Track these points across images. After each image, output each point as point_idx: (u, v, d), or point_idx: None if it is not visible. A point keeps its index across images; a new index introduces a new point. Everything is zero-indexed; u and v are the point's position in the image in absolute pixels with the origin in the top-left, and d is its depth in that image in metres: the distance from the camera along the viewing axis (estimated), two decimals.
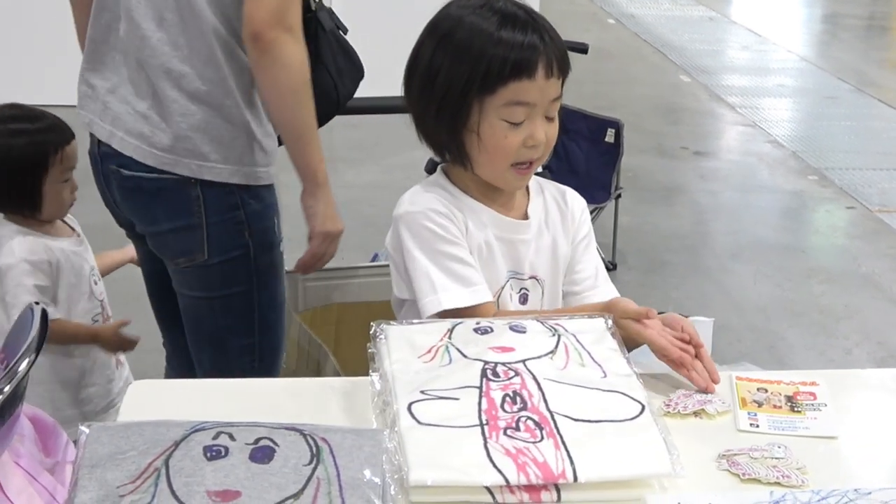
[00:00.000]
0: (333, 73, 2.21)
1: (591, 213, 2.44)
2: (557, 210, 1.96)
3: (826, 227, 5.85)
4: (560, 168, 4.75)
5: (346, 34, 2.30)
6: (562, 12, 9.87)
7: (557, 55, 1.78)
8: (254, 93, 2.17)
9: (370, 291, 3.04)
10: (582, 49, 4.09)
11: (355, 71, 2.27)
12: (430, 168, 4.40)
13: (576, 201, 1.99)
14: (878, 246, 5.31)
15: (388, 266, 3.12)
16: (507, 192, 1.90)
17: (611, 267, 4.68)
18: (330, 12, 2.28)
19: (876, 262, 5.11)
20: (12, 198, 2.62)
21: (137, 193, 2.22)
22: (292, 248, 2.47)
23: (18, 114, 2.57)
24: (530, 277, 1.91)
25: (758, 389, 1.74)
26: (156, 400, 1.64)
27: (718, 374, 1.72)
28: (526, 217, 1.92)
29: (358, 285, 3.04)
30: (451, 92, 1.77)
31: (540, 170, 4.25)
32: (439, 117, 1.80)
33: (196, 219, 2.19)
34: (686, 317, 1.85)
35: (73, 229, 2.77)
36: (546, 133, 1.81)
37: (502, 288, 1.88)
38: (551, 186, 1.99)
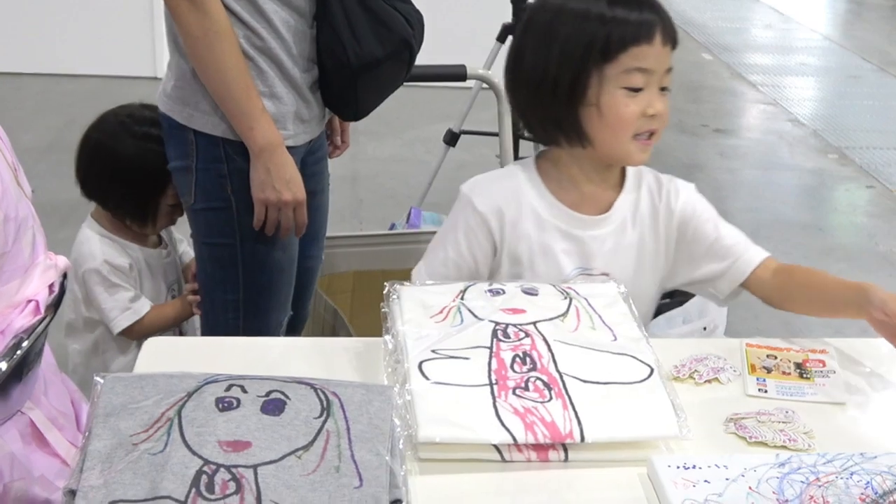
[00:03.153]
0: (343, 33, 2.21)
1: None
2: (650, 205, 1.93)
3: (845, 205, 5.82)
4: None
5: None
6: None
7: (671, 25, 1.80)
8: (249, 50, 2.20)
9: (387, 259, 3.06)
10: None
11: (383, 31, 2.26)
12: (449, 139, 4.42)
13: (670, 192, 1.94)
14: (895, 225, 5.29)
15: (405, 235, 3.16)
16: (584, 187, 1.90)
17: None
18: None
19: (893, 240, 5.08)
20: (126, 204, 2.66)
21: (163, 132, 2.33)
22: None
23: (155, 118, 2.46)
24: (601, 274, 1.88)
25: (767, 356, 1.75)
26: (169, 356, 1.66)
27: None
28: (607, 211, 1.90)
29: (375, 253, 3.06)
30: (567, 66, 1.78)
31: None
32: (556, 95, 1.79)
33: (189, 161, 2.26)
34: None
35: (161, 239, 2.83)
36: (663, 104, 1.82)
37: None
38: (651, 179, 1.96)
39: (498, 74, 3.25)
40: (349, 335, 2.72)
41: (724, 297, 1.95)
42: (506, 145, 3.15)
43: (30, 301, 1.69)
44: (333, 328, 2.82)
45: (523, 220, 1.88)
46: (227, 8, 2.16)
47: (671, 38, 1.80)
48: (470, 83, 3.67)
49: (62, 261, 1.80)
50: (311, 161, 2.40)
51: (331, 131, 2.58)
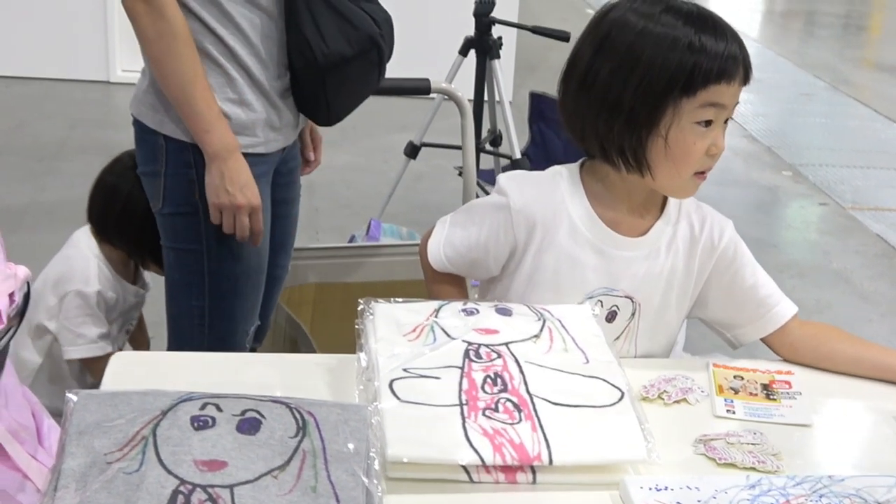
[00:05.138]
0: (309, 32, 2.22)
1: None
2: (689, 236, 1.89)
3: (799, 222, 5.89)
4: (538, 156, 4.78)
5: None
6: (540, 1, 9.89)
7: (749, 60, 1.75)
8: (218, 57, 2.19)
9: (349, 272, 3.06)
10: (563, 37, 4.10)
11: (350, 29, 2.27)
12: (410, 151, 4.43)
13: (714, 227, 1.90)
14: (849, 243, 5.35)
15: (366, 248, 3.16)
16: (625, 209, 1.86)
17: None
18: None
19: (847, 258, 5.15)
20: (137, 245, 2.71)
21: (135, 136, 2.33)
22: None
23: None
24: (625, 297, 1.86)
25: (734, 377, 1.76)
26: (136, 371, 1.65)
27: None
28: (643, 235, 1.87)
29: (336, 265, 3.05)
30: (647, 96, 1.71)
31: (519, 156, 4.26)
32: (628, 124, 1.73)
33: (158, 166, 2.26)
34: None
35: (142, 279, 2.90)
36: (723, 140, 1.78)
37: (586, 301, 1.82)
38: (693, 208, 1.91)
39: (461, 88, 3.27)
40: (310, 347, 2.71)
41: (740, 344, 1.95)
42: (469, 159, 3.16)
43: None
44: (294, 340, 2.81)
45: (559, 229, 1.84)
46: (192, 13, 2.16)
47: (748, 75, 1.75)
48: (431, 95, 3.67)
49: (22, 270, 1.78)
50: (284, 170, 2.40)
51: (302, 145, 2.58)
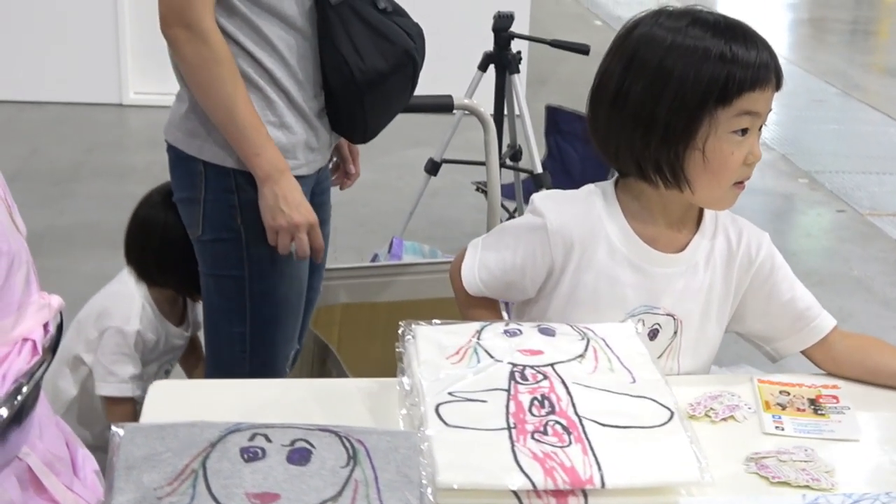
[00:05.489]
0: (345, 49, 2.20)
1: None
2: (726, 250, 1.87)
3: (817, 230, 5.86)
4: (555, 169, 4.76)
5: (383, 12, 2.27)
6: (549, 13, 9.88)
7: (780, 68, 1.74)
8: (258, 80, 2.18)
9: (374, 292, 3.05)
10: (583, 50, 4.09)
11: (385, 44, 2.25)
12: (430, 168, 4.41)
13: (751, 241, 1.88)
14: (869, 250, 5.32)
15: (391, 266, 3.14)
16: (663, 225, 1.83)
17: None
18: None
19: (867, 265, 5.12)
20: (177, 275, 2.67)
21: (169, 163, 2.32)
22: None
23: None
24: (667, 314, 1.84)
25: (780, 392, 1.74)
26: (177, 400, 1.63)
27: None
28: (681, 251, 1.85)
29: (362, 285, 3.04)
30: (683, 109, 1.70)
31: (541, 170, 4.24)
32: (665, 139, 1.72)
33: (197, 193, 2.25)
34: None
35: (188, 321, 2.88)
36: (759, 148, 1.77)
37: (627, 320, 1.80)
38: (728, 222, 1.89)
39: (482, 104, 3.25)
40: (339, 368, 2.70)
41: (780, 357, 1.94)
42: (493, 176, 3.13)
43: (26, 340, 1.65)
44: (323, 361, 2.79)
45: (597, 248, 1.82)
46: (230, 37, 2.15)
47: (780, 81, 1.74)
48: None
49: (56, 300, 1.77)
50: (318, 191, 2.39)
51: (341, 160, 2.57)
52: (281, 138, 2.20)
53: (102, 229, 4.72)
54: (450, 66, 4.97)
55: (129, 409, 2.64)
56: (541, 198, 1.88)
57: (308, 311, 2.55)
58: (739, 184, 1.77)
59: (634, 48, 1.75)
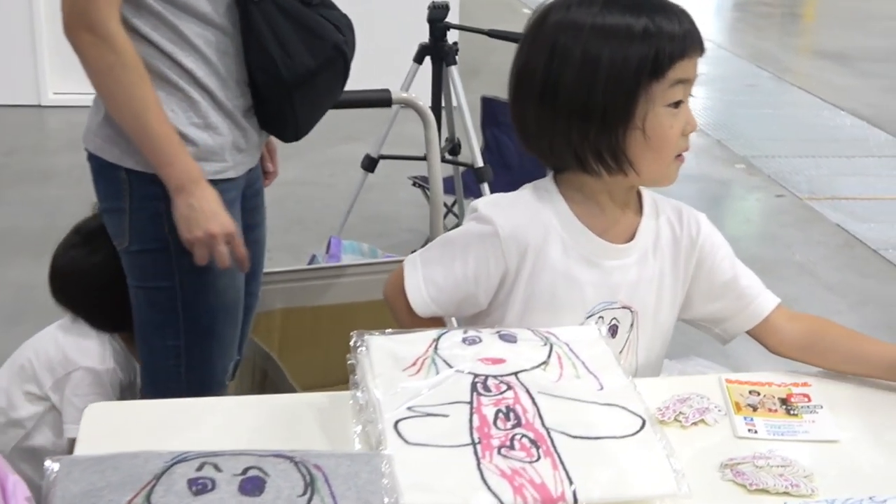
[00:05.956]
0: (271, 46, 2.09)
1: None
2: (671, 236, 1.84)
3: (757, 215, 5.84)
4: (493, 161, 4.67)
5: (309, 5, 2.17)
6: (477, 3, 9.80)
7: (700, 33, 1.72)
8: (178, 81, 2.07)
9: (314, 295, 2.94)
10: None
11: (313, 40, 2.14)
12: (367, 165, 4.31)
13: (691, 223, 1.86)
14: (810, 234, 5.31)
15: (331, 268, 3.04)
16: (610, 213, 1.79)
17: None
18: None
19: (810, 250, 5.10)
20: (110, 315, 2.49)
21: (91, 173, 2.21)
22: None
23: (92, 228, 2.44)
24: (622, 307, 1.80)
25: (750, 392, 1.67)
26: (114, 424, 1.52)
27: None
28: (630, 239, 1.81)
29: (301, 289, 2.94)
30: (618, 91, 1.65)
31: (482, 163, 4.16)
32: (605, 123, 1.67)
33: (122, 202, 2.14)
34: None
35: None
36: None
37: (587, 320, 1.77)
38: (668, 207, 1.87)
39: (421, 97, 3.16)
40: (282, 378, 2.59)
41: (730, 338, 1.90)
42: (435, 171, 3.04)
43: None
44: (265, 371, 2.69)
45: (550, 248, 1.76)
46: (145, 38, 2.04)
47: (702, 45, 1.71)
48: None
49: None
50: (249, 193, 2.29)
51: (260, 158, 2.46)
52: (207, 140, 2.09)
53: (24, 235, 4.60)
54: (382, 58, 4.87)
55: None
56: (486, 204, 1.81)
57: (248, 319, 2.44)
58: (679, 156, 1.75)
59: (553, 38, 1.68)
